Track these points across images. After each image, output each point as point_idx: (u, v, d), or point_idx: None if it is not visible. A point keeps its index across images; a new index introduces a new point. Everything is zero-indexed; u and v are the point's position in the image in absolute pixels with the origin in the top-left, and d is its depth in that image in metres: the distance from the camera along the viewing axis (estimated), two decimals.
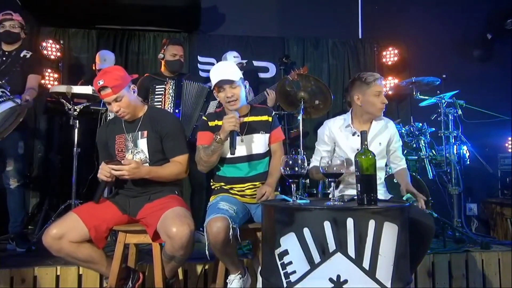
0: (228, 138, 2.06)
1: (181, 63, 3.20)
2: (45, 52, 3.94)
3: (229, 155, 2.15)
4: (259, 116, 2.25)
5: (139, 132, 2.15)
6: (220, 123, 2.15)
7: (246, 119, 2.22)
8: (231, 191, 2.20)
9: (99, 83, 2.02)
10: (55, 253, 1.92)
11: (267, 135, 2.24)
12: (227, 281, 2.11)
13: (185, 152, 2.17)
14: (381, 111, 2.26)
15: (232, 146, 2.03)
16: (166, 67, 3.17)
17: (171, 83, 3.00)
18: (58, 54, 4.03)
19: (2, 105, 2.56)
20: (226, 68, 2.16)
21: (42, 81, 3.81)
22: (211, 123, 2.23)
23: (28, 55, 3.00)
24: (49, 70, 3.91)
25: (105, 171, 1.98)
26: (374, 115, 2.28)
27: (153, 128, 2.15)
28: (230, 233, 1.84)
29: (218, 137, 2.05)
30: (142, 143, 2.14)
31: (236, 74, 2.15)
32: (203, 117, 2.32)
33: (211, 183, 2.30)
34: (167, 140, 2.14)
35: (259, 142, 2.22)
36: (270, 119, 2.26)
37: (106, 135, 2.23)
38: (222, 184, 2.23)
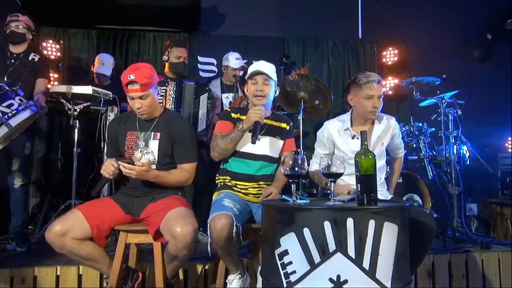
0: (250, 129, 2.12)
1: (185, 64, 3.22)
2: (45, 52, 3.93)
3: (242, 149, 2.21)
4: (279, 122, 2.32)
5: (152, 133, 2.16)
6: (242, 117, 2.22)
7: (266, 121, 2.26)
8: (234, 188, 2.22)
9: (129, 77, 2.00)
10: (58, 249, 1.92)
11: (281, 142, 2.30)
12: (227, 281, 2.12)
13: (194, 160, 2.19)
14: (371, 114, 2.22)
15: (254, 135, 2.08)
16: (171, 69, 3.17)
17: (172, 85, 3.01)
18: (58, 54, 4.03)
19: (21, 114, 2.53)
20: (267, 65, 2.26)
21: None
22: (233, 115, 2.28)
23: (36, 58, 3.02)
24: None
25: (108, 169, 1.98)
26: (365, 118, 2.26)
27: (167, 131, 2.15)
28: (234, 231, 1.86)
29: (241, 126, 2.12)
30: (153, 144, 2.14)
31: (273, 73, 2.24)
32: (226, 108, 2.39)
33: (216, 177, 2.32)
34: (178, 145, 2.15)
35: (273, 146, 2.26)
36: (287, 127, 2.34)
37: (117, 129, 2.23)
38: (227, 179, 2.24)
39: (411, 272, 1.83)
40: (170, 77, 3.15)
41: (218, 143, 2.18)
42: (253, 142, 2.09)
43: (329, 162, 1.68)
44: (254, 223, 2.16)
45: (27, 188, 3.03)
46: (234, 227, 1.86)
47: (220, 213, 1.89)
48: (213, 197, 2.21)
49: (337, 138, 2.30)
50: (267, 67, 2.23)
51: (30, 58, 3.01)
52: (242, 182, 2.22)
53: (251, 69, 2.25)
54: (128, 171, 1.94)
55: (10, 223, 2.94)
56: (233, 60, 3.64)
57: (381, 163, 2.27)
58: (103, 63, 3.66)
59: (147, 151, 2.14)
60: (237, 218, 1.91)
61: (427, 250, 2.12)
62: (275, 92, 2.30)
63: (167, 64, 3.18)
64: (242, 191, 2.21)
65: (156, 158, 2.14)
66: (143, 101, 2.07)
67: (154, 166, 2.11)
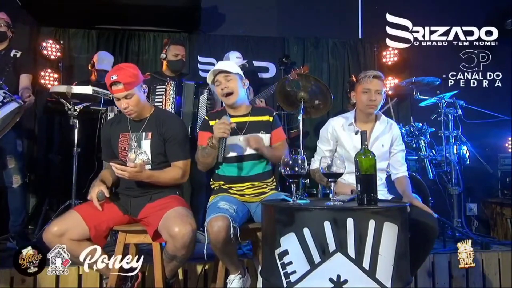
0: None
1: (183, 62, 3.21)
2: (45, 52, 3.93)
3: (229, 154, 2.16)
4: (260, 116, 2.25)
5: (144, 133, 2.15)
6: None
7: (246, 118, 2.22)
8: (230, 190, 2.20)
9: (112, 77, 2.01)
10: None
11: (268, 135, 2.23)
12: (227, 281, 2.12)
13: (186, 157, 2.17)
14: (368, 108, 2.25)
15: (220, 153, 2.03)
16: (169, 67, 3.17)
17: (172, 84, 3.00)
18: (58, 54, 4.03)
19: (7, 106, 2.55)
20: (223, 63, 2.21)
21: (42, 81, 3.82)
22: (212, 122, 2.21)
23: (18, 54, 3.00)
24: (49, 70, 3.91)
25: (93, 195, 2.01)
26: (364, 113, 2.29)
27: (158, 130, 2.14)
28: (231, 232, 1.85)
29: (211, 141, 2.05)
30: (146, 144, 2.14)
31: (231, 67, 2.18)
32: (205, 117, 2.32)
33: (211, 182, 2.30)
34: (170, 143, 2.14)
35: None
36: (271, 119, 2.25)
37: (109, 132, 2.23)
38: (222, 183, 2.23)
39: (412, 272, 1.83)
40: (168, 75, 3.15)
41: (198, 157, 2.16)
42: (219, 160, 2.05)
43: (330, 162, 1.68)
44: (253, 223, 2.16)
45: (25, 187, 3.02)
46: (231, 228, 1.85)
47: (216, 215, 1.87)
48: (209, 201, 2.19)
49: (341, 133, 2.32)
50: (224, 64, 2.19)
51: (11, 55, 2.98)
52: (236, 185, 2.19)
53: (210, 72, 2.21)
54: (121, 172, 1.94)
55: (9, 222, 2.94)
56: (234, 59, 3.64)
57: (381, 164, 2.27)
58: (103, 60, 3.65)
59: (140, 152, 2.13)
60: (234, 219, 1.90)
61: (428, 250, 2.12)
62: (244, 85, 2.23)
63: (165, 62, 3.18)
64: (238, 192, 2.19)
65: (150, 158, 2.13)
66: (128, 100, 2.06)
67: (149, 166, 2.11)
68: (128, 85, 2.03)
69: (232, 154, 2.18)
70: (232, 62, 2.26)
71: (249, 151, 2.18)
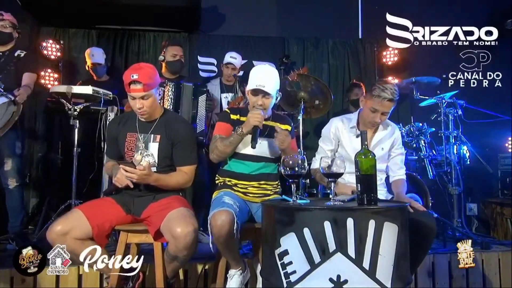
0: (250, 133, 2.08)
1: (181, 63, 3.21)
2: (45, 52, 3.93)
3: (242, 151, 2.19)
4: (280, 124, 2.26)
5: (152, 135, 2.15)
6: (242, 118, 2.20)
7: (268, 123, 2.24)
8: (234, 187, 2.21)
9: (132, 76, 1.98)
10: None
11: None
12: (228, 275, 2.13)
13: (193, 163, 2.18)
14: (369, 125, 2.25)
15: (254, 140, 2.06)
16: (167, 69, 3.17)
17: (171, 86, 3.00)
18: (58, 54, 4.02)
19: None
20: (268, 79, 2.12)
21: (42, 81, 3.81)
22: (233, 116, 2.24)
23: (22, 54, 2.99)
24: (49, 70, 3.90)
25: (122, 182, 2.00)
26: (365, 123, 2.27)
27: (166, 133, 2.14)
28: (234, 227, 1.86)
29: (240, 129, 2.08)
30: (153, 147, 2.14)
31: (274, 87, 2.14)
32: (226, 109, 2.35)
33: (216, 177, 2.32)
34: (178, 148, 2.14)
35: (273, 147, 2.23)
36: (289, 129, 2.29)
37: (117, 130, 2.21)
38: (227, 179, 2.24)
39: (411, 272, 1.83)
40: (168, 77, 3.15)
41: (217, 146, 2.15)
42: (253, 147, 2.08)
43: (330, 162, 1.68)
44: (254, 223, 2.16)
45: (23, 188, 3.01)
46: (235, 223, 1.86)
47: (221, 209, 1.89)
48: (213, 196, 2.20)
49: (343, 135, 2.32)
50: (268, 82, 2.11)
51: (15, 55, 2.98)
52: (242, 182, 2.21)
53: (252, 80, 2.14)
54: (130, 174, 1.94)
55: (8, 223, 2.93)
56: (228, 58, 3.65)
57: (381, 166, 2.27)
58: (93, 54, 3.65)
59: (147, 154, 2.13)
60: (237, 216, 1.91)
61: (427, 250, 2.12)
62: (277, 99, 2.24)
63: (163, 64, 3.18)
64: (242, 190, 2.21)
65: (156, 161, 2.13)
66: (144, 101, 2.05)
67: (154, 169, 2.11)
68: (147, 86, 2.01)
69: (244, 152, 2.19)
70: (275, 73, 2.18)
71: (262, 153, 2.20)
